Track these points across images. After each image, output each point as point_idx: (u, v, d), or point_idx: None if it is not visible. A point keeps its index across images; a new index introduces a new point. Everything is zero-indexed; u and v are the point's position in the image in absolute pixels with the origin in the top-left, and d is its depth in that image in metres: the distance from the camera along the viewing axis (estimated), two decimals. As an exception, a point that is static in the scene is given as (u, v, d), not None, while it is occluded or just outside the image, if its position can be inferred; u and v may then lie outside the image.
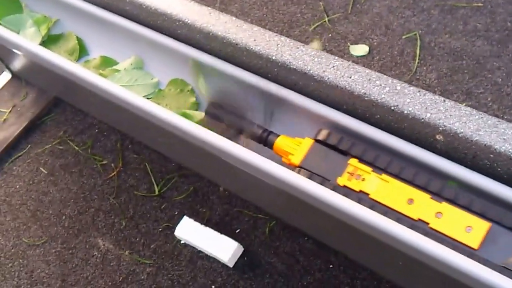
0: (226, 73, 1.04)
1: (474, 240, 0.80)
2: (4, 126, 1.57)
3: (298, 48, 0.95)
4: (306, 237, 1.23)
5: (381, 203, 0.87)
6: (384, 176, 0.89)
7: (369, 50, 1.49)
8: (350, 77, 0.89)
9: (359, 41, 1.52)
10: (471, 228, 0.81)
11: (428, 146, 0.85)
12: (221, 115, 1.10)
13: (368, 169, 0.90)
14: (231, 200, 1.32)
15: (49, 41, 1.32)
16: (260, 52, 0.96)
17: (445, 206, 0.83)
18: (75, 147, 1.50)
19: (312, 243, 1.22)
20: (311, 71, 0.92)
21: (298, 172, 0.94)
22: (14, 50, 1.22)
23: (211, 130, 0.94)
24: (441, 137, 0.80)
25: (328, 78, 0.90)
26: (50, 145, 1.53)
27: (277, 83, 1.00)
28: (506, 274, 0.71)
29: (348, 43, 1.52)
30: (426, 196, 0.85)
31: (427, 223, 0.83)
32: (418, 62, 1.44)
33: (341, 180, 0.91)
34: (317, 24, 1.58)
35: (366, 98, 0.87)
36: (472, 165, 0.81)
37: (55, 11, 1.33)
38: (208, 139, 0.91)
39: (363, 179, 0.90)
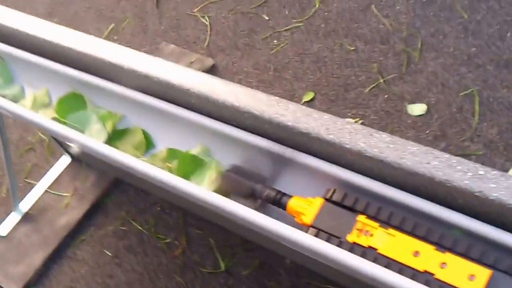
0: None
1: (476, 287, 0.84)
2: (67, 210, 1.61)
3: (371, 135, 0.97)
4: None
5: (389, 257, 0.92)
6: (391, 230, 0.94)
7: (427, 109, 1.52)
8: (429, 163, 0.90)
9: (416, 100, 1.55)
10: (474, 277, 0.84)
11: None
12: (238, 178, 1.17)
13: (376, 224, 0.95)
14: (298, 272, 1.34)
15: (115, 136, 1.35)
16: (333, 141, 0.99)
17: (449, 257, 0.87)
18: (138, 227, 1.55)
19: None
20: (387, 158, 0.93)
21: (310, 232, 0.99)
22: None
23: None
24: None
25: (407, 165, 0.92)
26: (113, 227, 1.58)
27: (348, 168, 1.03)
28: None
29: (405, 103, 1.55)
30: (430, 248, 0.89)
31: (433, 274, 0.87)
32: (478, 118, 1.45)
33: (351, 237, 0.96)
34: (372, 85, 1.62)
35: (448, 185, 0.88)
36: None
37: (120, 106, 1.38)
38: (264, 225, 0.96)
39: (371, 235, 0.94)
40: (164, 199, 1.57)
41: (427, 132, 1.47)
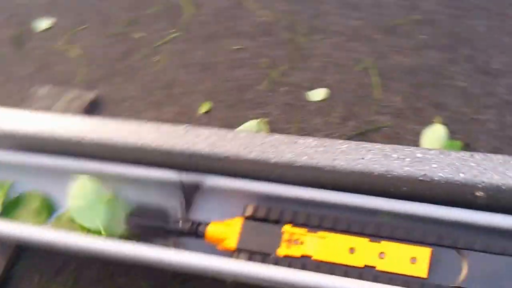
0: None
1: (421, 269, 0.82)
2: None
3: (296, 142, 0.90)
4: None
5: (326, 261, 0.88)
6: (320, 233, 0.90)
7: (328, 92, 1.47)
8: (363, 158, 0.84)
9: (315, 86, 1.50)
10: (416, 259, 0.82)
11: (469, 204, 0.81)
12: (143, 222, 1.08)
13: (303, 230, 0.91)
14: None
15: (10, 206, 1.20)
16: (257, 159, 0.91)
17: (385, 245, 0.85)
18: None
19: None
20: (319, 164, 0.87)
21: (237, 256, 0.94)
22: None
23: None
24: (481, 193, 0.77)
25: (342, 166, 0.85)
26: (28, 298, 1.41)
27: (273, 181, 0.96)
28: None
29: (305, 91, 1.50)
30: (365, 241, 0.86)
31: (374, 267, 0.85)
32: (380, 90, 1.42)
33: (281, 251, 0.91)
34: (267, 81, 1.55)
35: (389, 176, 0.82)
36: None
37: (8, 172, 1.22)
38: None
39: (301, 243, 0.90)
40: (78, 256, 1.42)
41: (333, 115, 1.43)
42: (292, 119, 1.45)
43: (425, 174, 0.78)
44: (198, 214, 1.05)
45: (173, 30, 1.77)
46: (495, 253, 0.81)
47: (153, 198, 1.06)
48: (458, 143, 1.23)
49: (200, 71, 1.64)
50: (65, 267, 1.41)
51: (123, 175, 1.06)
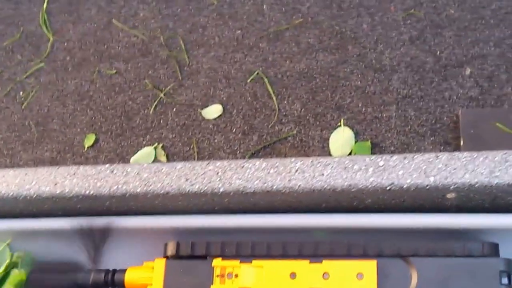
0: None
1: (369, 284, 0.78)
2: None
3: (243, 167, 0.81)
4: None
5: None
6: (255, 262, 0.83)
7: (222, 108, 1.40)
8: (323, 174, 0.77)
9: (208, 103, 1.41)
10: (362, 274, 0.78)
11: (438, 207, 0.77)
12: (46, 279, 0.95)
13: (235, 262, 0.83)
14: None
15: None
16: (202, 191, 0.80)
17: (327, 264, 0.80)
18: None
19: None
20: (274, 187, 0.78)
21: None
22: None
23: None
24: (452, 194, 0.73)
25: (300, 186, 0.77)
26: None
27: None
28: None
29: (198, 109, 1.41)
30: (305, 263, 0.81)
31: None
32: (276, 99, 1.37)
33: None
34: (155, 103, 1.44)
35: (353, 190, 0.76)
36: (492, 208, 0.75)
37: None
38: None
39: (236, 276, 0.82)
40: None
41: (233, 131, 1.35)
42: (189, 140, 1.36)
43: (392, 183, 0.73)
44: (109, 261, 0.92)
45: (37, 61, 1.60)
46: (442, 256, 0.78)
47: (55, 252, 0.92)
48: (368, 143, 1.22)
49: (76, 102, 1.49)
50: None
51: (14, 230, 0.91)
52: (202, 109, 1.40)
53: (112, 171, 0.79)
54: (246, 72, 1.44)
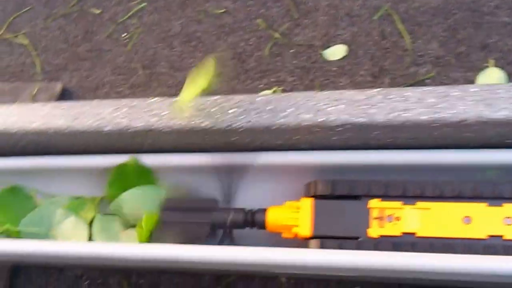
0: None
1: None
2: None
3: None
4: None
5: (437, 237, 0.72)
6: (420, 204, 0.74)
7: (347, 48, 1.26)
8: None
9: (329, 43, 1.28)
10: None
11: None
12: (180, 217, 0.87)
13: (397, 203, 0.75)
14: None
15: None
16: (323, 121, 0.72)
17: (508, 208, 0.71)
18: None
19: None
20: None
21: (314, 245, 0.77)
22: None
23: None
24: None
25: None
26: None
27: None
28: None
29: (319, 50, 1.28)
30: (482, 206, 0.71)
31: (501, 236, 0.70)
32: (409, 38, 1.22)
33: (373, 231, 0.75)
34: (270, 44, 1.32)
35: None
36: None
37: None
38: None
39: (397, 219, 0.74)
40: (89, 268, 1.16)
41: (361, 73, 1.22)
42: (312, 83, 1.23)
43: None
44: (242, 201, 0.87)
45: (138, 1, 1.50)
46: None
47: (190, 188, 0.88)
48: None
49: (183, 43, 1.39)
50: (76, 286, 1.15)
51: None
52: (323, 50, 1.27)
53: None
54: (371, 8, 1.29)
